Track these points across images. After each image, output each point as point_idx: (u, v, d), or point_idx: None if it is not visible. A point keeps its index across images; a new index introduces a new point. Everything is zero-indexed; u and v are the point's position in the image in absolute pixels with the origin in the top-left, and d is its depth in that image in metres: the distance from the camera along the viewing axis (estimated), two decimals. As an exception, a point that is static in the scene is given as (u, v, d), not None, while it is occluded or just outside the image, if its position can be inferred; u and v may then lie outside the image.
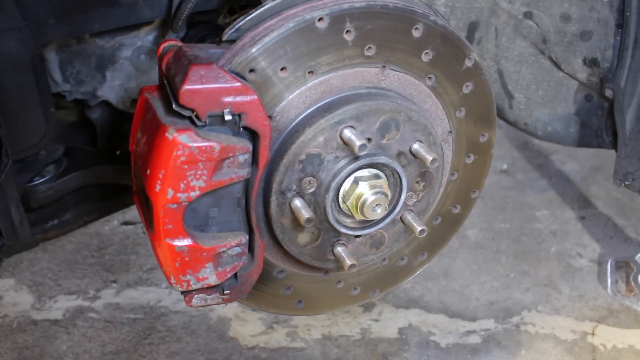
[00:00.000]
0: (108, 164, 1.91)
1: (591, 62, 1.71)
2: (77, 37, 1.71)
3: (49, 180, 1.80)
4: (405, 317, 2.21)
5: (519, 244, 2.53)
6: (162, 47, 1.13)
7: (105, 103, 1.88)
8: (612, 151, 1.77)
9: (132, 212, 2.61)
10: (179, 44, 1.14)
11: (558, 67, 1.78)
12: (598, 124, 1.82)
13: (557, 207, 2.74)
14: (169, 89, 1.02)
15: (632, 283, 2.26)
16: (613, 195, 2.76)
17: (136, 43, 1.80)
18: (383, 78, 1.13)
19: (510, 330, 2.15)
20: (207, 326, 2.18)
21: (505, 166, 3.00)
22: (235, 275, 1.13)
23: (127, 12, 1.61)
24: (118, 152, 1.99)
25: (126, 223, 2.68)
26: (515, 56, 1.85)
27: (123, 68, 1.81)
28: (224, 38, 1.07)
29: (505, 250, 2.50)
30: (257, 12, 1.07)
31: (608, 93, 1.70)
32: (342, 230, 1.16)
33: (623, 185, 1.75)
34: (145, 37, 1.80)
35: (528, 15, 1.75)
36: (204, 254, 1.05)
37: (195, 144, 0.95)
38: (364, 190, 1.10)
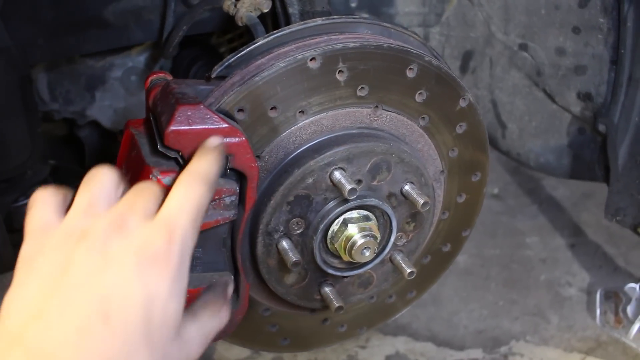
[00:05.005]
0: (95, 185, 1.88)
1: (585, 97, 1.71)
2: (66, 57, 1.68)
3: (34, 200, 1.77)
4: (393, 345, 2.18)
5: (508, 271, 2.52)
6: (149, 79, 1.11)
7: (95, 123, 1.85)
8: (603, 179, 1.77)
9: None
10: (168, 77, 1.11)
11: (552, 99, 1.78)
12: (590, 157, 1.81)
13: (547, 233, 2.73)
14: (154, 127, 1.00)
15: (621, 314, 2.25)
16: (603, 223, 2.75)
17: (127, 64, 1.77)
18: (375, 118, 1.11)
19: (498, 360, 2.13)
20: (192, 349, 2.15)
21: (496, 190, 2.99)
22: (219, 315, 1.10)
23: (119, 34, 1.59)
24: (106, 172, 1.96)
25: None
26: (509, 87, 1.84)
27: (113, 88, 1.78)
28: (213, 75, 1.05)
29: (495, 278, 2.48)
30: (248, 49, 1.05)
31: (601, 128, 1.69)
32: (330, 271, 1.13)
33: (614, 220, 1.74)
34: (136, 57, 1.78)
35: (523, 47, 1.74)
36: (188, 295, 1.02)
37: (180, 187, 0.92)
38: (353, 232, 1.08)
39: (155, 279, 0.67)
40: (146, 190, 0.75)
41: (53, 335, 0.64)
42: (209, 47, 1.87)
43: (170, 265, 0.69)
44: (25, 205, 1.81)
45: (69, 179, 1.90)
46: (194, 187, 0.75)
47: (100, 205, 0.73)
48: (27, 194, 1.79)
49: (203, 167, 0.79)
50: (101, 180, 0.76)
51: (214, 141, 0.87)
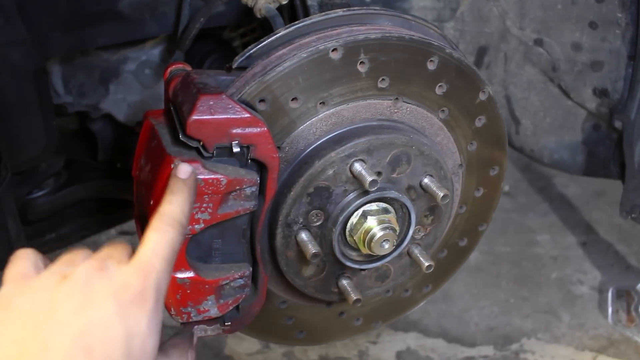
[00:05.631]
0: (108, 178, 1.88)
1: (601, 93, 1.69)
2: (81, 50, 1.68)
3: (48, 193, 1.77)
4: (404, 341, 2.18)
5: (519, 269, 2.51)
6: (169, 70, 1.10)
7: (108, 116, 1.85)
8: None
9: (130, 223, 2.57)
10: (187, 68, 1.11)
11: (567, 95, 1.76)
12: (605, 154, 1.80)
13: (558, 231, 2.72)
14: (175, 117, 0.99)
15: (633, 313, 2.24)
16: (615, 222, 2.74)
17: (141, 57, 1.77)
18: (396, 110, 1.11)
19: (510, 358, 2.12)
20: (203, 343, 2.15)
21: (507, 188, 2.98)
22: (237, 306, 1.10)
23: (134, 27, 1.58)
24: (118, 165, 1.96)
25: (123, 233, 2.65)
26: (523, 82, 1.83)
27: (127, 82, 1.78)
28: (235, 65, 1.04)
29: (506, 275, 2.48)
30: (269, 39, 1.05)
31: (617, 124, 1.68)
32: (348, 263, 1.13)
33: (629, 217, 1.73)
34: (150, 50, 1.78)
35: (538, 42, 1.73)
36: (206, 286, 1.02)
37: (202, 177, 0.92)
38: (372, 225, 1.07)
39: (135, 316, 0.72)
40: (120, 246, 0.81)
41: None
42: (222, 41, 1.87)
43: (147, 305, 0.73)
44: (39, 198, 1.81)
45: (82, 172, 1.91)
46: (166, 230, 0.79)
47: (80, 259, 0.79)
48: (41, 186, 1.80)
49: (174, 210, 0.82)
50: (79, 248, 0.82)
51: (184, 170, 0.88)
